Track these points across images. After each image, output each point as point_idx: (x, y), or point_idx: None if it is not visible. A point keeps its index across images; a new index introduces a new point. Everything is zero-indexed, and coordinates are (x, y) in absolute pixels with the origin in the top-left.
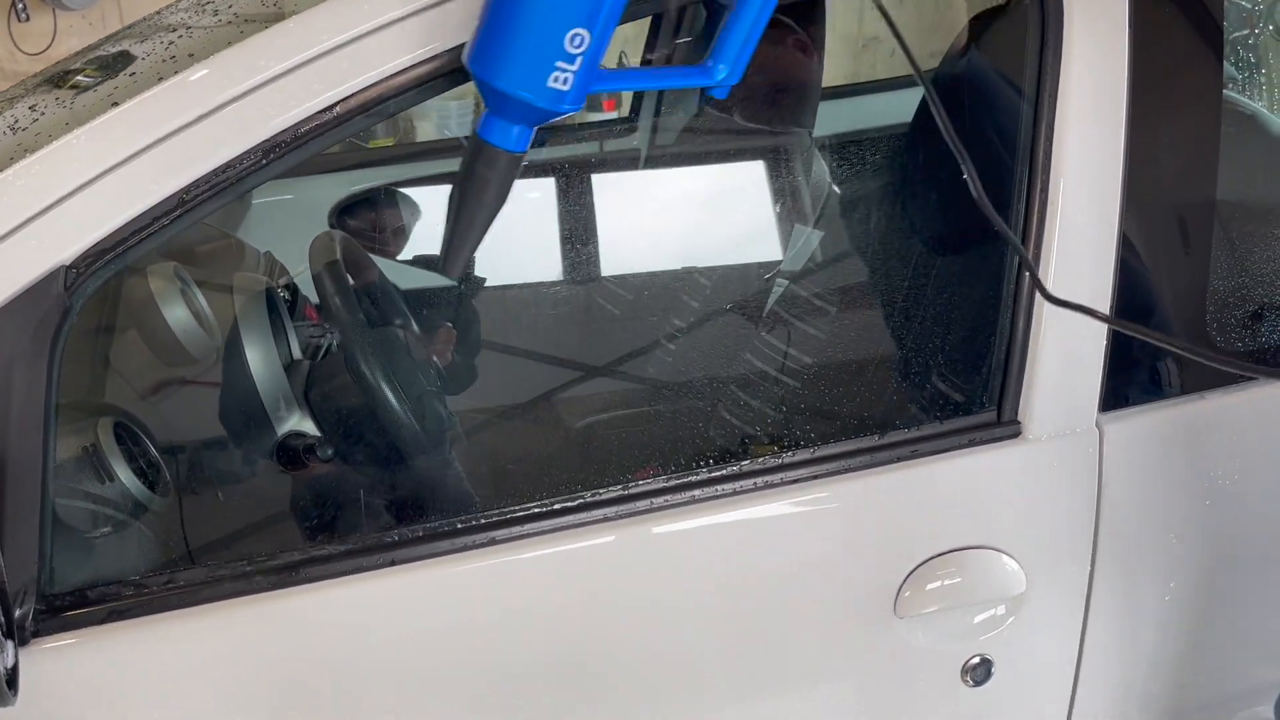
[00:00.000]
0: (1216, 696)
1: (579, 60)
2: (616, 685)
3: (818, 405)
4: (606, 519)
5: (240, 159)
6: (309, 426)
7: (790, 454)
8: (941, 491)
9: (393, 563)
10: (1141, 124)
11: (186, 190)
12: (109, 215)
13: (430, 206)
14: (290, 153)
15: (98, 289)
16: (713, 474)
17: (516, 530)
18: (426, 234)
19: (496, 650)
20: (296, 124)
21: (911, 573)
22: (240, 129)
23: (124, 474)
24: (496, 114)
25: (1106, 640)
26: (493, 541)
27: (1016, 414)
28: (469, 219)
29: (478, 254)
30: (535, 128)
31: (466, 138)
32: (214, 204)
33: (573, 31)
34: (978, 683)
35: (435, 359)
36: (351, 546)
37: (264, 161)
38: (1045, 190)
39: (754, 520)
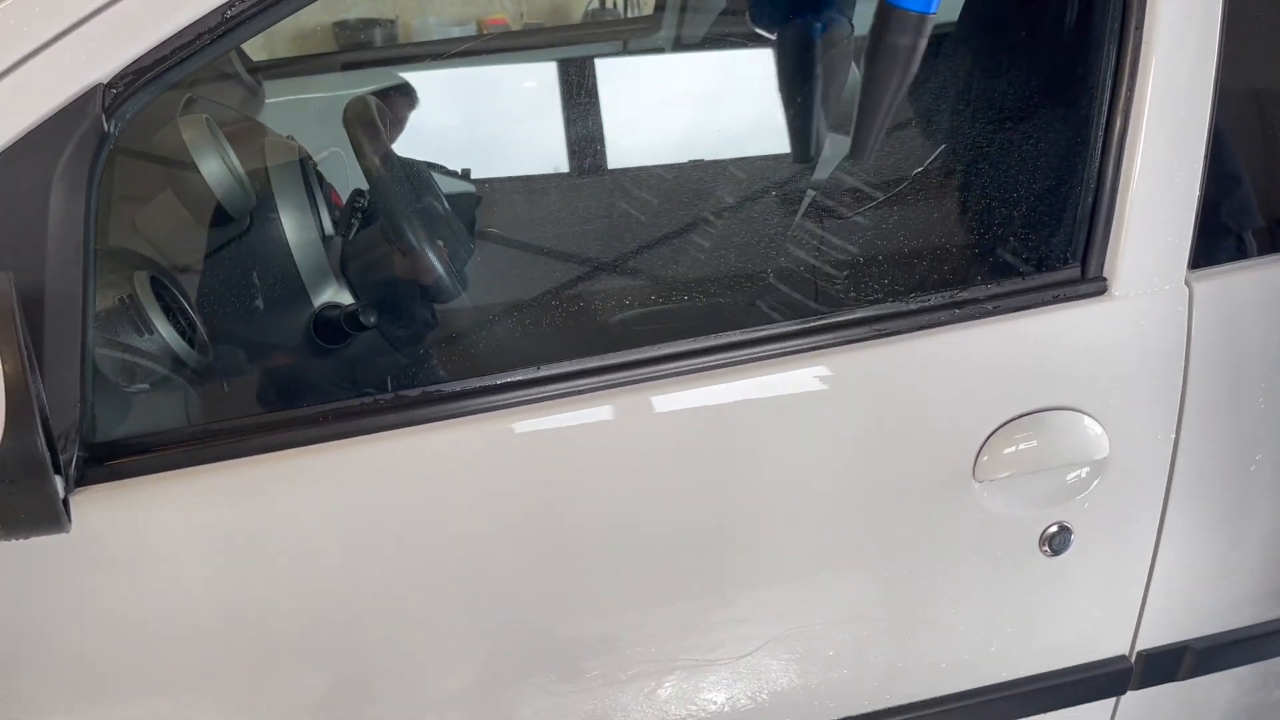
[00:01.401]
0: None
1: None
2: (682, 559)
3: (889, 266)
4: (667, 375)
5: None
6: (345, 300)
7: (862, 310)
8: (1022, 350)
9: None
10: None
11: (230, 4)
12: (149, 29)
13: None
14: None
15: (137, 113)
16: (781, 330)
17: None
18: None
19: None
20: None
21: (991, 435)
22: None
23: (163, 327)
24: None
25: (1189, 511)
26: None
27: (1102, 270)
28: (882, 94)
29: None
30: None
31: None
32: (258, 22)
33: None
34: (1056, 551)
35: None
36: (371, 404)
37: None
38: (1135, 72)
39: (823, 379)
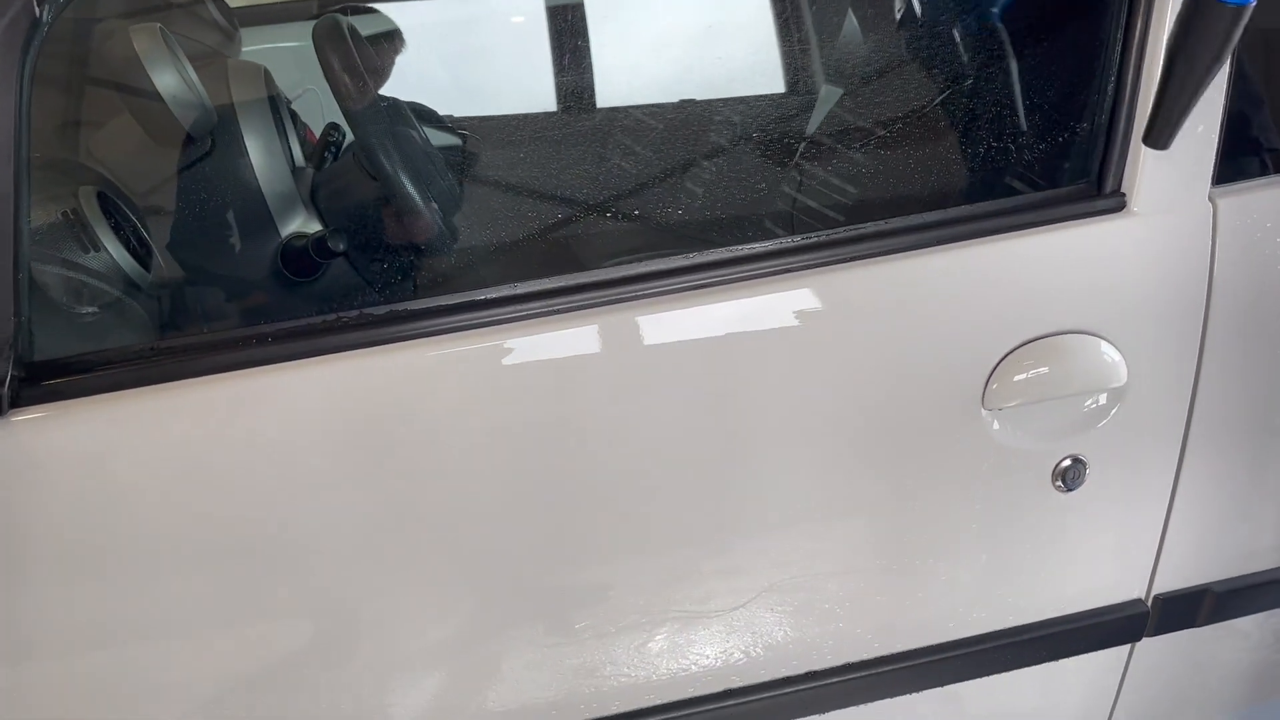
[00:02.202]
0: None
1: None
2: (673, 499)
3: (891, 182)
4: (655, 294)
5: None
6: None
7: (863, 227)
8: (1035, 270)
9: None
10: None
11: None
12: None
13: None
14: None
15: (71, 2)
16: (777, 246)
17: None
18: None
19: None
20: None
21: (1001, 361)
22: None
23: (111, 245)
24: None
25: (1211, 444)
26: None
27: (1120, 185)
28: (1183, 81)
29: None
30: None
31: None
32: None
33: None
34: (1069, 487)
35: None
36: (334, 322)
37: None
38: None
39: (821, 300)
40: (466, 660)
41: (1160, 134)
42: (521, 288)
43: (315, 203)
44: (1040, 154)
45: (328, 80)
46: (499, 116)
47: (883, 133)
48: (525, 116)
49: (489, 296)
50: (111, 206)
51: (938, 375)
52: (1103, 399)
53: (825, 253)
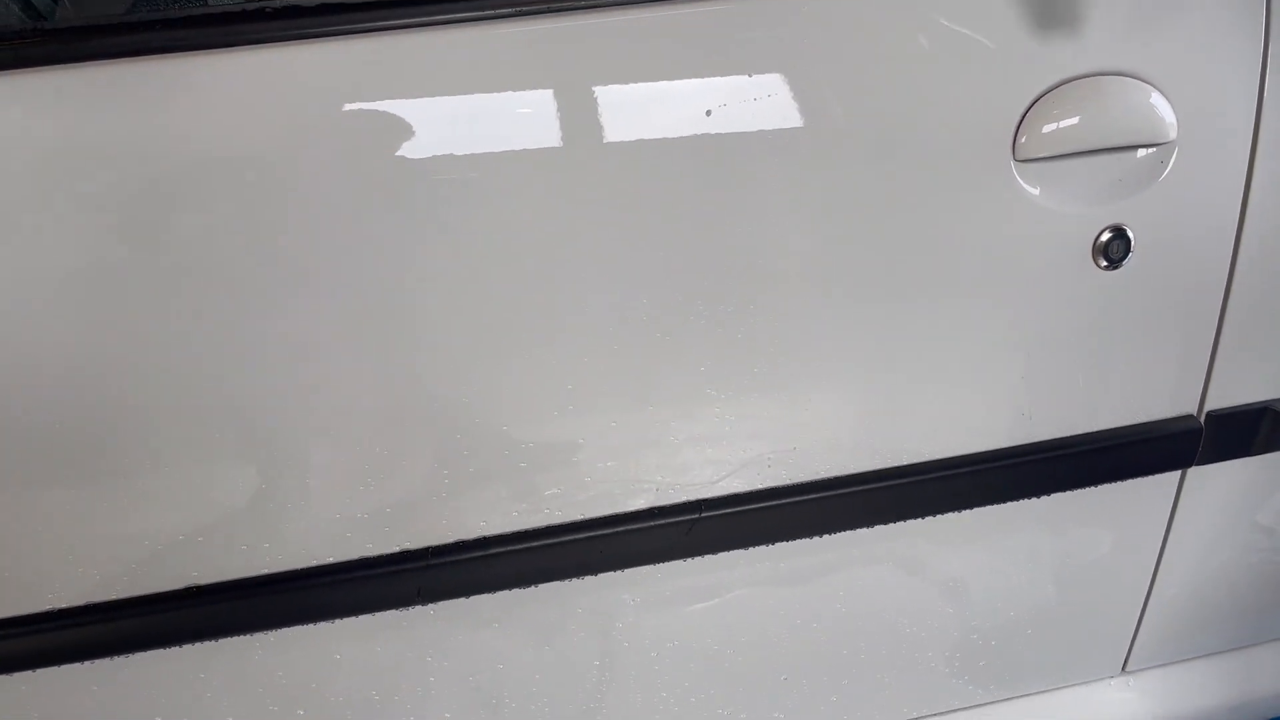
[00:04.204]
0: None
1: None
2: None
3: None
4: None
5: None
6: None
7: None
8: None
9: None
10: None
11: None
12: None
13: None
14: None
15: None
16: None
17: None
18: None
19: None
20: None
21: (1032, 105)
22: None
23: None
24: None
25: (1275, 213)
26: None
27: None
28: None
29: None
30: None
31: None
32: None
33: None
34: (1111, 262)
35: None
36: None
37: None
38: None
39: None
40: (415, 524)
41: None
42: None
43: None
44: None
45: None
46: None
47: None
48: None
49: None
50: None
51: (960, 118)
52: (1147, 157)
53: None
